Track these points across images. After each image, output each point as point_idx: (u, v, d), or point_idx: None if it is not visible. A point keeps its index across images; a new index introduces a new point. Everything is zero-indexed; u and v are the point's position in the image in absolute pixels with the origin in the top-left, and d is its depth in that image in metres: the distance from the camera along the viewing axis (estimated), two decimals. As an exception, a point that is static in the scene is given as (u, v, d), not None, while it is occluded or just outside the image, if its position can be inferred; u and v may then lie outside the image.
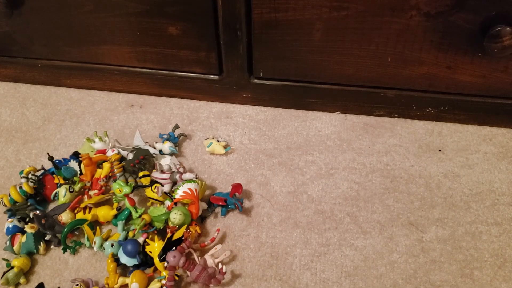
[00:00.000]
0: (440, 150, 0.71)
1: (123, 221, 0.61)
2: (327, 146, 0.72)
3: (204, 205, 0.63)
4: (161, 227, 0.61)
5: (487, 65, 0.65)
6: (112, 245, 0.58)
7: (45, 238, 0.61)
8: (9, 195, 0.64)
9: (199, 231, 0.60)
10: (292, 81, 0.74)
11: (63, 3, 0.70)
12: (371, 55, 0.66)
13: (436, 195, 0.66)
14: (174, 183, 0.65)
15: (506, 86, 0.67)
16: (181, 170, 0.65)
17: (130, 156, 0.67)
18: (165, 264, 0.55)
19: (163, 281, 0.55)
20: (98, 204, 0.64)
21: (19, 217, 0.63)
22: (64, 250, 0.60)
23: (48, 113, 0.80)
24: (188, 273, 0.55)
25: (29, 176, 0.65)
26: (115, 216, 0.62)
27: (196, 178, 0.64)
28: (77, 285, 0.55)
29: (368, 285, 0.57)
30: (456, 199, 0.65)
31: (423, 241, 0.61)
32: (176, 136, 0.72)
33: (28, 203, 0.64)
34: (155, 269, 0.58)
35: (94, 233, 0.61)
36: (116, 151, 0.68)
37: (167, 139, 0.71)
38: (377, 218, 0.63)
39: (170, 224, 0.59)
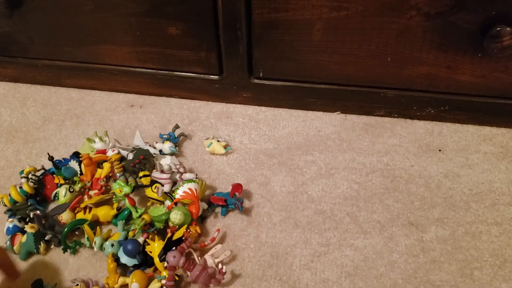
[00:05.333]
0: (440, 150, 0.71)
1: (123, 221, 0.61)
2: (327, 146, 0.72)
3: (204, 205, 0.63)
4: (161, 227, 0.61)
5: (487, 65, 0.65)
6: (112, 245, 0.58)
7: (45, 238, 0.61)
8: (9, 195, 0.64)
9: (199, 231, 0.60)
10: (292, 81, 0.74)
11: (63, 3, 0.70)
12: (371, 55, 0.66)
13: (436, 195, 0.65)
14: (174, 183, 0.65)
15: (506, 86, 0.67)
16: (181, 170, 0.65)
17: (130, 156, 0.67)
18: (165, 264, 0.55)
19: (163, 281, 0.55)
20: (98, 204, 0.64)
21: (19, 217, 0.63)
22: (64, 250, 0.60)
23: (48, 113, 0.80)
24: (188, 273, 0.55)
25: (29, 176, 0.65)
26: (115, 216, 0.62)
27: (196, 178, 0.64)
28: (77, 285, 0.55)
29: (368, 285, 0.57)
30: (456, 199, 0.65)
31: (423, 241, 0.61)
32: (176, 136, 0.72)
33: (28, 203, 0.64)
34: (155, 269, 0.58)
35: (94, 233, 0.61)
36: (116, 151, 0.69)
37: (167, 139, 0.71)
38: (377, 218, 0.63)
39: (170, 224, 0.59)
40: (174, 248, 0.56)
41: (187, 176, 0.63)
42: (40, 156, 0.73)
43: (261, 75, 0.73)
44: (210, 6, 0.65)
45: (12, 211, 0.63)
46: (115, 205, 0.63)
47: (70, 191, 0.64)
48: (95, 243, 0.59)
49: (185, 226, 0.58)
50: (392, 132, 0.74)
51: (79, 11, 0.70)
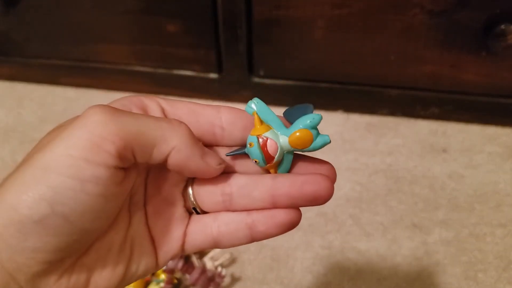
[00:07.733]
0: (444, 151, 0.70)
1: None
2: (329, 146, 0.71)
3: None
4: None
5: (491, 64, 0.64)
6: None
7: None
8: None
9: (198, 233, 0.59)
10: (294, 79, 0.73)
11: (60, 0, 0.69)
12: (373, 53, 0.66)
13: (440, 196, 0.65)
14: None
15: (511, 85, 0.67)
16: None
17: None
18: (163, 267, 0.54)
19: (161, 284, 0.54)
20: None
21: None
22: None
23: (44, 113, 0.79)
24: (187, 276, 0.55)
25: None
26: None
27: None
28: None
29: (371, 289, 0.56)
30: (460, 200, 0.64)
31: (426, 243, 0.60)
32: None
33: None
34: (153, 272, 0.57)
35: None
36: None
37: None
38: (380, 220, 0.62)
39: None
40: (172, 251, 0.55)
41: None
42: (37, 157, 0.72)
43: (261, 73, 0.72)
44: (210, 3, 0.65)
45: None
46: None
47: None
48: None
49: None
50: (395, 132, 0.73)
51: (76, 9, 0.70)
